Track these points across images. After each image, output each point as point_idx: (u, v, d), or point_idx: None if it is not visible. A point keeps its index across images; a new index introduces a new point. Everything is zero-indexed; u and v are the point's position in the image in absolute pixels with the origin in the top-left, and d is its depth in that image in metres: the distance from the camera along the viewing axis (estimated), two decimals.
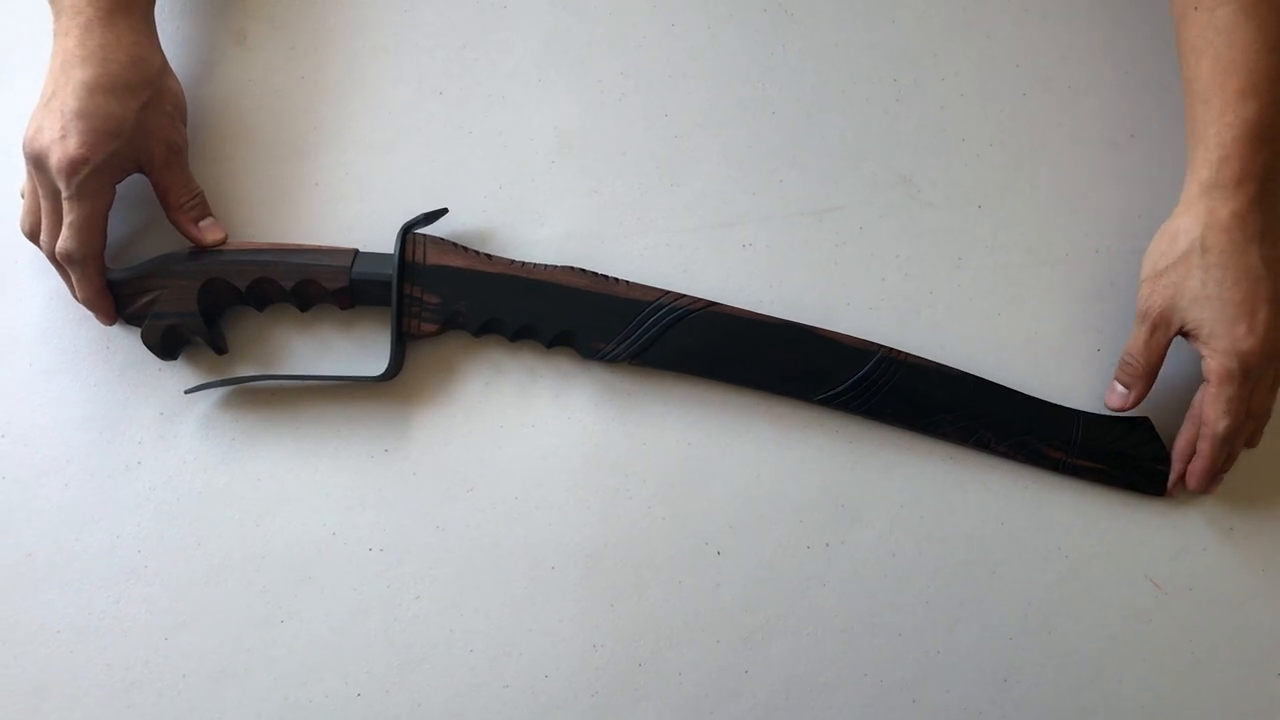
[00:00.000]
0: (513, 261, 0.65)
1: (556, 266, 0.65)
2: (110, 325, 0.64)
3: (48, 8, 0.62)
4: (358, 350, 0.66)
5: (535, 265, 0.65)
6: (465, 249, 0.64)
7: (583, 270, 0.65)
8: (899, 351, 0.65)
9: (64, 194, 0.59)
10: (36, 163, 0.59)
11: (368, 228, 0.64)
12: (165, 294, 0.62)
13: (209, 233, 0.64)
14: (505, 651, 0.64)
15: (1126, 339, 0.67)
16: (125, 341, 0.66)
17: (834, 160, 0.69)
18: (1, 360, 0.66)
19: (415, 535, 0.65)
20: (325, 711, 0.64)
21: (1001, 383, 0.66)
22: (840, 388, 0.65)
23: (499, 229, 0.68)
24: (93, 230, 0.60)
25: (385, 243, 0.64)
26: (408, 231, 0.63)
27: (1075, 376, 0.67)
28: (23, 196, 0.63)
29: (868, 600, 0.65)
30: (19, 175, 0.63)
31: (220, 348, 0.65)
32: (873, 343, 0.65)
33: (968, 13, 0.71)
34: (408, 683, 0.64)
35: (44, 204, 0.60)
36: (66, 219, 0.59)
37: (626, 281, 0.65)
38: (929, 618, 0.65)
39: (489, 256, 0.65)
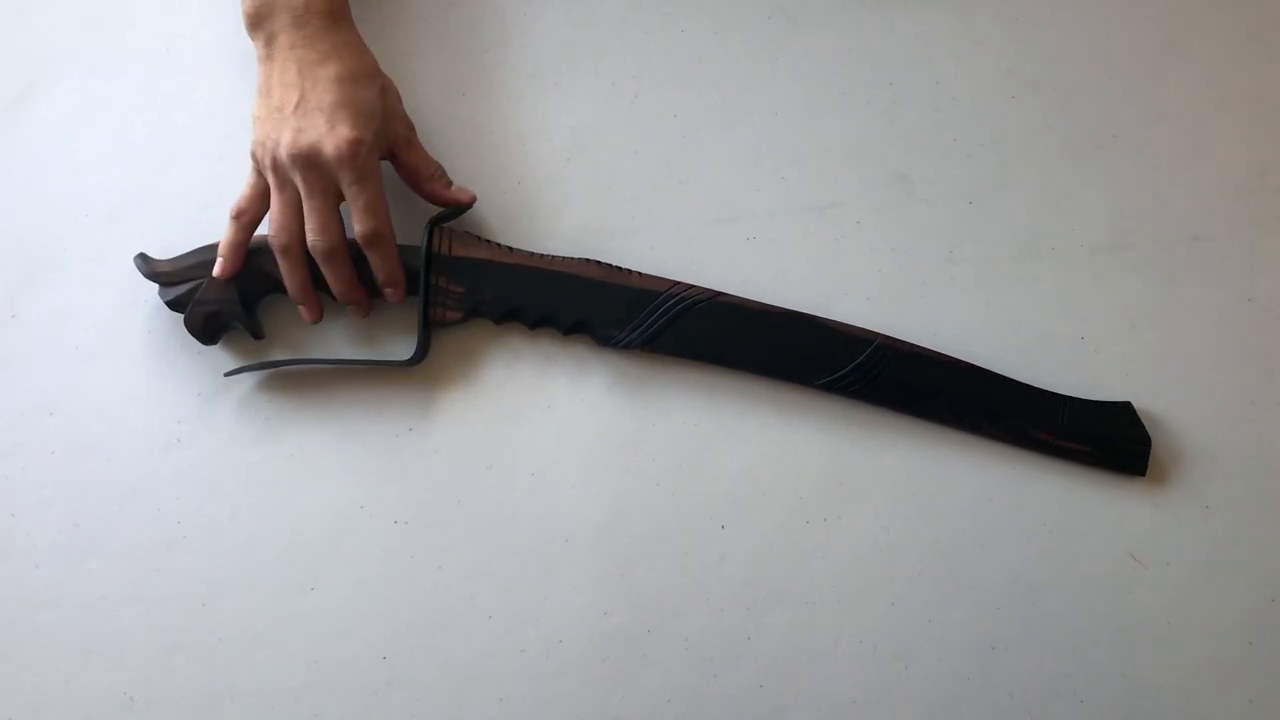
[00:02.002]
0: (532, 254, 0.67)
1: (573, 258, 0.67)
2: (400, 302, 0.66)
3: (246, 38, 0.65)
4: (387, 336, 0.69)
5: (553, 257, 0.67)
6: (488, 242, 0.67)
7: (598, 262, 0.67)
8: (895, 339, 0.68)
9: (347, 180, 0.62)
10: (306, 162, 0.61)
11: (397, 222, 0.66)
12: (207, 282, 0.65)
13: (463, 194, 0.68)
14: (522, 618, 0.67)
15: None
16: (168, 327, 0.69)
17: (834, 159, 0.72)
18: (50, 344, 0.69)
19: (438, 509, 0.68)
20: (353, 673, 0.66)
21: (992, 369, 0.68)
22: (840, 373, 0.67)
23: (519, 223, 0.70)
24: (384, 207, 0.64)
25: (413, 236, 0.67)
26: (435, 225, 0.66)
27: (1061, 363, 0.70)
28: (235, 225, 0.64)
29: (864, 572, 0.68)
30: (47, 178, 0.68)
31: (258, 333, 0.68)
32: (870, 331, 0.68)
33: (961, 21, 0.73)
34: (430, 647, 0.67)
35: (311, 203, 0.62)
36: (357, 203, 0.62)
37: (639, 273, 0.67)
38: (921, 589, 0.68)
39: (510, 249, 0.67)
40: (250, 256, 0.65)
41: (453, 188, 0.68)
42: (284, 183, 0.62)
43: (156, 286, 0.67)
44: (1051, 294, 0.71)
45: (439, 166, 0.68)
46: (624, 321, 0.67)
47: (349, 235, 0.65)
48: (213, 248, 0.66)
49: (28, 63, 0.72)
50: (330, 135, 0.61)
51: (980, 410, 0.68)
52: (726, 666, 0.67)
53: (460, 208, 0.68)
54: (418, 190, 0.68)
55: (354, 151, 0.61)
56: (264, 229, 0.66)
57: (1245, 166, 0.72)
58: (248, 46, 0.66)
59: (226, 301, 0.65)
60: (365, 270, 0.65)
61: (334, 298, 0.66)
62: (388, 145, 0.66)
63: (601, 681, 0.67)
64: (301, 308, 0.66)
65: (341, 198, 0.63)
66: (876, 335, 0.68)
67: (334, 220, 0.63)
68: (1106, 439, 0.68)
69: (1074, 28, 0.74)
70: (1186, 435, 0.69)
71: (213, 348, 0.68)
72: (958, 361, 0.68)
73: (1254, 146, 0.73)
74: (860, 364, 0.67)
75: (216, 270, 0.64)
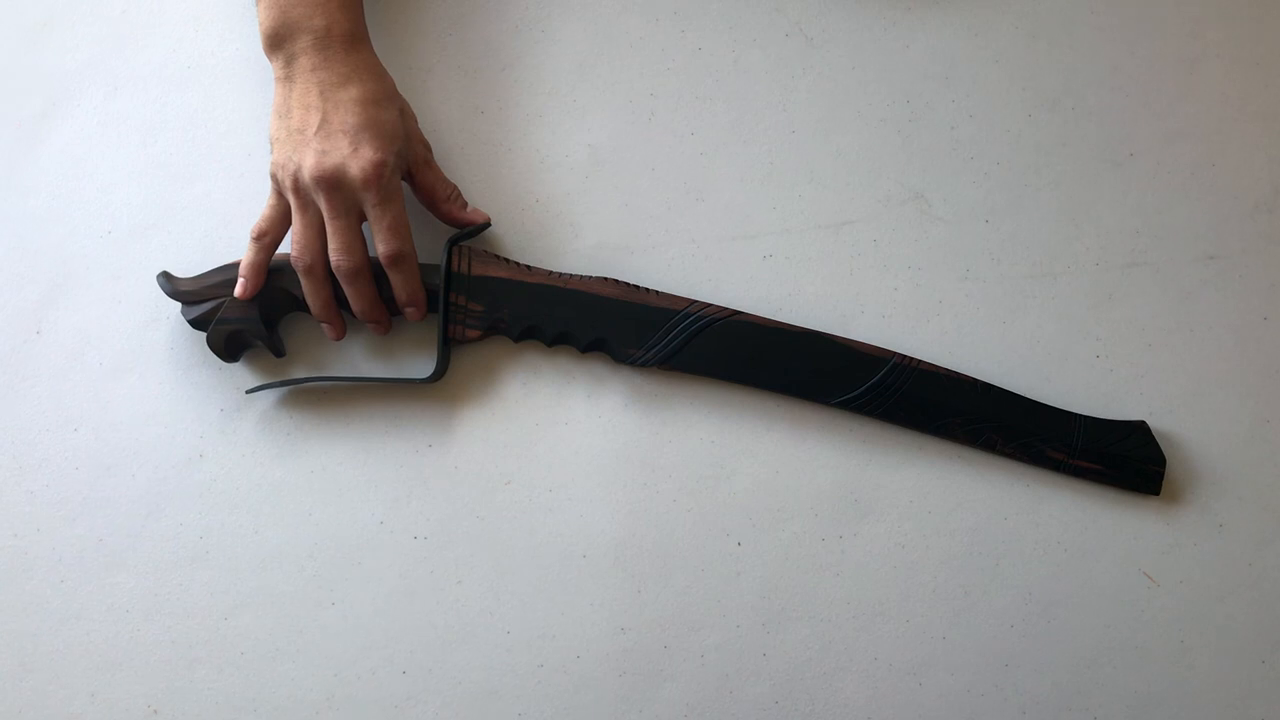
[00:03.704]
0: (550, 272, 0.68)
1: (591, 277, 0.68)
2: (420, 320, 0.67)
3: (264, 57, 0.66)
4: (406, 354, 0.70)
5: (571, 275, 0.68)
6: (506, 260, 0.68)
7: (615, 280, 0.68)
8: (911, 358, 0.68)
9: (371, 201, 0.62)
10: (331, 184, 0.62)
11: (416, 240, 0.66)
12: (229, 301, 0.65)
13: (478, 215, 0.68)
14: (540, 633, 0.68)
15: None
16: (190, 344, 0.69)
17: (850, 176, 0.72)
18: (75, 361, 0.70)
19: (457, 525, 0.68)
20: (372, 688, 0.67)
21: (1006, 388, 0.69)
22: (855, 392, 0.67)
23: (537, 241, 0.71)
24: (407, 227, 0.64)
25: (433, 254, 0.68)
26: (454, 244, 0.67)
27: (1076, 382, 0.70)
28: (258, 242, 0.64)
29: (878, 589, 0.68)
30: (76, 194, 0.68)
31: (279, 351, 0.69)
32: (886, 349, 0.68)
33: (977, 39, 0.74)
34: (449, 662, 0.67)
35: (335, 224, 0.62)
36: (381, 224, 0.63)
37: (656, 291, 0.68)
38: (936, 606, 0.68)
39: (528, 267, 0.68)
40: (271, 276, 0.66)
41: (468, 209, 0.69)
42: (306, 204, 0.63)
43: (179, 305, 0.67)
44: (1067, 312, 0.71)
45: (455, 188, 0.69)
46: (641, 340, 0.67)
47: (371, 255, 0.65)
48: (234, 266, 0.66)
49: (51, 81, 0.73)
50: (354, 157, 0.62)
51: (995, 429, 0.68)
52: (742, 682, 0.68)
53: (478, 227, 0.68)
54: (433, 211, 0.68)
55: (378, 173, 0.62)
56: (284, 248, 0.66)
57: (1261, 184, 0.72)
58: (267, 64, 0.66)
59: (248, 320, 0.66)
60: (384, 289, 0.66)
61: (354, 316, 0.67)
62: (406, 166, 0.66)
63: (618, 697, 0.67)
64: (325, 326, 0.67)
65: (364, 218, 0.64)
66: (892, 354, 0.68)
67: (358, 241, 0.64)
68: (1121, 458, 0.68)
69: (1091, 46, 0.74)
70: (1201, 454, 0.70)
71: (234, 365, 0.69)
72: (973, 380, 0.69)
73: (1270, 165, 0.73)
74: (876, 382, 0.68)
75: (238, 291, 0.65)
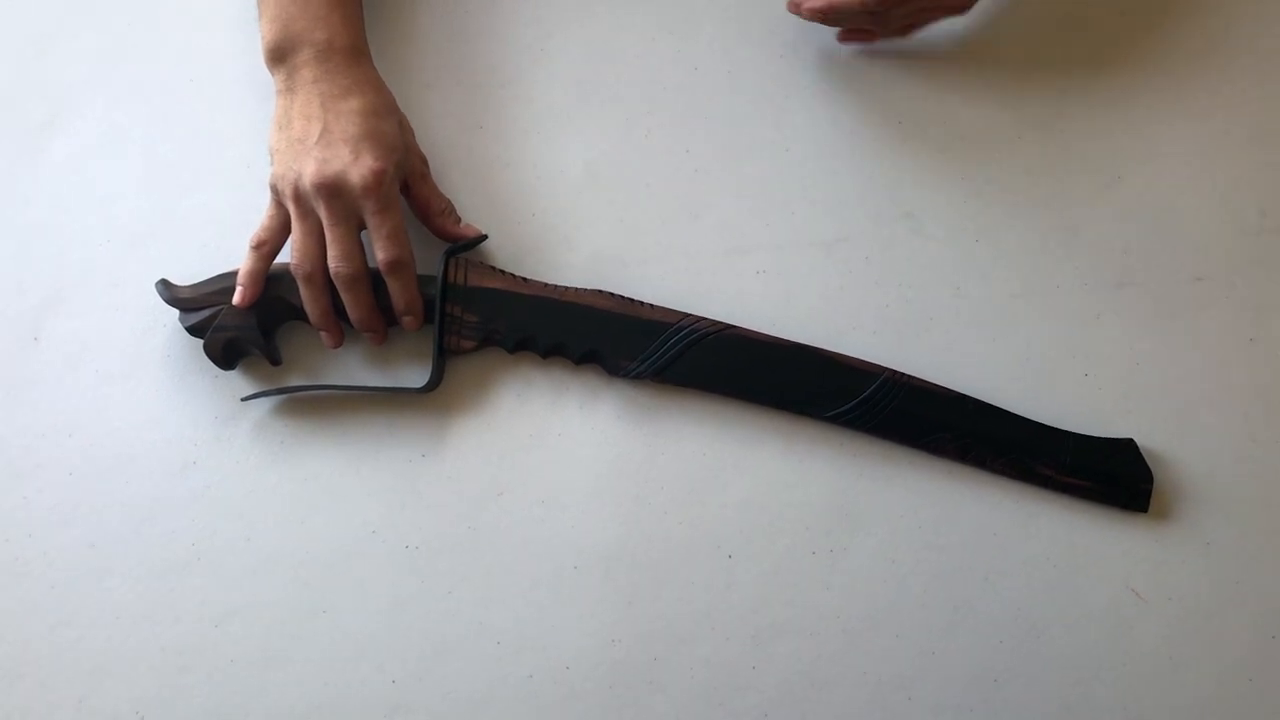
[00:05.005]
0: (546, 285, 0.68)
1: (586, 290, 0.68)
2: (416, 329, 0.67)
3: (266, 70, 0.67)
4: (401, 364, 0.70)
5: (566, 288, 0.68)
6: (502, 272, 0.68)
7: (610, 293, 0.68)
8: (902, 374, 0.68)
9: (371, 209, 0.63)
10: (331, 191, 0.62)
11: (414, 252, 0.67)
12: (227, 309, 0.66)
13: (470, 231, 0.69)
14: (530, 644, 0.68)
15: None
16: (187, 352, 0.70)
17: (843, 195, 0.73)
18: (71, 367, 0.70)
19: (449, 535, 0.69)
20: (362, 697, 0.67)
21: (996, 404, 0.69)
22: (847, 406, 0.68)
23: (533, 254, 0.72)
24: (406, 235, 0.65)
25: (429, 265, 0.68)
26: (450, 255, 0.67)
27: (1065, 399, 0.71)
28: (256, 250, 0.65)
29: (868, 603, 0.68)
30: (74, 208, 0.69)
31: (275, 359, 0.69)
32: (877, 365, 0.69)
33: (967, 62, 0.75)
34: (439, 671, 0.67)
35: (334, 232, 0.63)
36: (380, 232, 0.63)
37: (650, 304, 0.68)
38: (925, 620, 0.68)
39: (524, 279, 0.68)
40: (269, 284, 0.66)
41: (462, 224, 0.69)
42: (306, 212, 0.64)
43: (177, 312, 0.68)
44: (1056, 331, 0.72)
45: (449, 202, 0.70)
46: (635, 352, 0.68)
47: (370, 265, 0.66)
48: (233, 274, 0.67)
49: (53, 92, 0.74)
50: (355, 165, 0.62)
51: (985, 445, 0.69)
52: (731, 695, 0.68)
53: (473, 240, 0.69)
54: (427, 224, 0.69)
55: (378, 181, 0.63)
56: (283, 258, 0.67)
57: (1247, 207, 0.73)
58: (267, 78, 0.67)
59: (245, 328, 0.66)
60: (381, 298, 0.67)
61: (351, 325, 0.67)
62: (404, 178, 0.67)
63: (607, 709, 0.67)
64: (323, 334, 0.67)
65: (363, 226, 0.65)
66: (883, 369, 0.69)
67: (357, 248, 0.64)
68: (1109, 475, 0.69)
69: (1078, 69, 0.75)
70: (1188, 472, 0.70)
71: (231, 373, 0.70)
72: (963, 396, 0.69)
73: (1256, 187, 0.74)
74: (866, 397, 0.68)
75: (236, 299, 0.65)
